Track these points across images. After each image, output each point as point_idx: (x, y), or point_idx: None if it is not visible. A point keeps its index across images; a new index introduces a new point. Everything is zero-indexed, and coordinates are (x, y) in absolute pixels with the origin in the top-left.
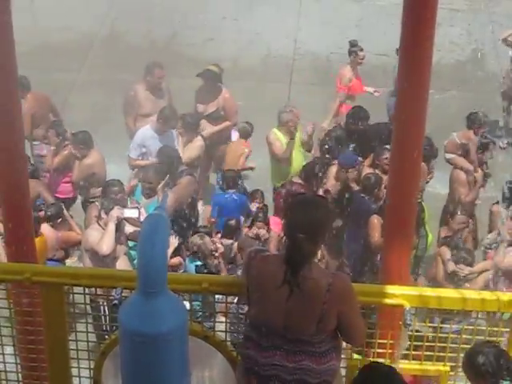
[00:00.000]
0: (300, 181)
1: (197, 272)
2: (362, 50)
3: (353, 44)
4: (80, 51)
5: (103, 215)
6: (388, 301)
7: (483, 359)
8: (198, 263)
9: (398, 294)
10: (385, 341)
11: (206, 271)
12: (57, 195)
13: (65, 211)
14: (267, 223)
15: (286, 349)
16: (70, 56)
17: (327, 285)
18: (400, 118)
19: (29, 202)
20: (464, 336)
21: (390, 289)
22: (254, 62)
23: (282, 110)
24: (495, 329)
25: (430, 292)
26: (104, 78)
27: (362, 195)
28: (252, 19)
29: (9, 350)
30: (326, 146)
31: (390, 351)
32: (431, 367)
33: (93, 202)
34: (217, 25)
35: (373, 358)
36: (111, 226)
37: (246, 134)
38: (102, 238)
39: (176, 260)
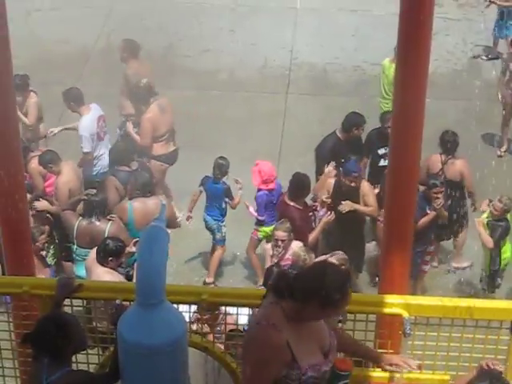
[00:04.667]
0: (293, 203)
1: None
2: None
3: None
4: (76, 64)
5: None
6: (387, 310)
7: None
8: None
9: (397, 303)
10: (385, 350)
11: None
12: None
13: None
14: None
15: None
16: (66, 69)
17: None
18: (397, 127)
19: (27, 216)
20: (464, 345)
21: (389, 298)
22: (251, 72)
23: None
24: (494, 337)
25: (429, 301)
26: (101, 91)
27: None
28: (248, 30)
29: (8, 363)
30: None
31: None
32: (432, 376)
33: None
34: (213, 36)
35: (373, 367)
36: None
37: None
38: None
39: None
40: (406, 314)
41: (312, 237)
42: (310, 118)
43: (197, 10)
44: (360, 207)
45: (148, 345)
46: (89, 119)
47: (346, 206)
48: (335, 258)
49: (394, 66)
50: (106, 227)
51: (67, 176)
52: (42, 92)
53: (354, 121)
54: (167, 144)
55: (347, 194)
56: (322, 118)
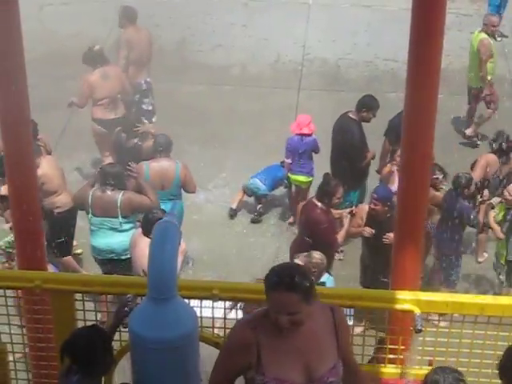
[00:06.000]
0: (320, 204)
1: None
2: None
3: None
4: None
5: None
6: (398, 306)
7: None
8: None
9: (409, 299)
10: (396, 346)
11: None
12: None
13: None
14: None
15: None
16: (78, 63)
17: None
18: (409, 123)
19: (39, 209)
20: (474, 342)
21: (400, 294)
22: (263, 67)
23: (487, 14)
24: (506, 334)
25: (440, 298)
26: None
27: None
28: (261, 25)
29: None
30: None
31: (401, 356)
32: None
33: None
34: (225, 31)
35: (384, 363)
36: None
37: None
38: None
39: None
40: (417, 311)
41: (340, 236)
42: (322, 114)
43: (209, 5)
44: None
45: (159, 339)
46: None
47: (388, 239)
48: (303, 258)
49: (480, 35)
50: (118, 196)
51: (41, 171)
52: (54, 86)
53: (366, 102)
54: (106, 110)
55: (381, 222)
56: (334, 114)
